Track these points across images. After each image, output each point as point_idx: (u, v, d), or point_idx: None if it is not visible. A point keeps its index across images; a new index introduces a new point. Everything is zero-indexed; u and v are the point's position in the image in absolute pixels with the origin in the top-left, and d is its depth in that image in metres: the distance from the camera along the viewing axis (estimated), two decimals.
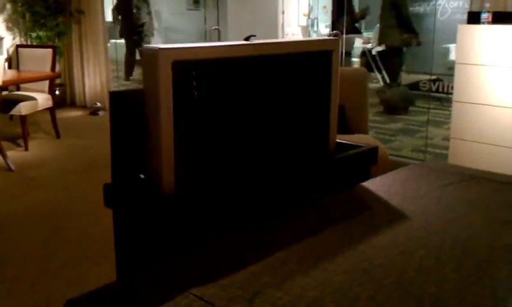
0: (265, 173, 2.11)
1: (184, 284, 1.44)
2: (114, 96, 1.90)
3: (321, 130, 2.38)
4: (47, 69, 5.69)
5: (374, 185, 2.31)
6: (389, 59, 7.23)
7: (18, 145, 5.39)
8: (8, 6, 7.12)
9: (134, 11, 9.13)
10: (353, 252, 1.66)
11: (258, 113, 2.11)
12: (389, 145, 5.44)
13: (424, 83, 6.90)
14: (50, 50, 5.79)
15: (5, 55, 6.69)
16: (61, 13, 7.18)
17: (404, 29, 7.01)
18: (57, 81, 7.01)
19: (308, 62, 2.27)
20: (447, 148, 4.23)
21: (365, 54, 7.71)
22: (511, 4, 3.95)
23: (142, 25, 9.26)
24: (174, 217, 1.79)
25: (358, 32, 7.81)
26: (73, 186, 4.25)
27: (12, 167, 4.62)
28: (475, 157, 3.75)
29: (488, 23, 3.71)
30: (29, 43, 7.12)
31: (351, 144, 2.49)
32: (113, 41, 9.40)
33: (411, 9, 7.25)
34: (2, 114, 4.78)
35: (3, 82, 4.58)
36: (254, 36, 2.09)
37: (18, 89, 5.89)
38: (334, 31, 8.08)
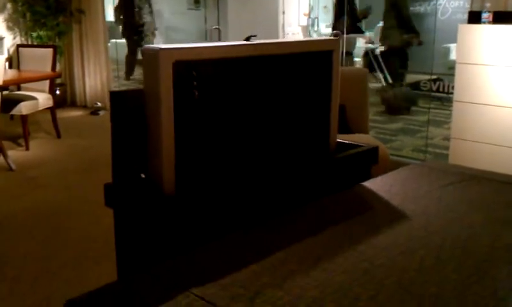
0: (266, 172, 2.11)
1: (185, 283, 1.44)
2: (115, 96, 1.90)
3: (322, 129, 2.38)
4: (47, 69, 5.69)
5: (374, 184, 2.31)
6: (391, 59, 7.23)
7: (19, 145, 5.40)
8: (9, 5, 7.13)
9: (136, 10, 9.14)
10: (354, 252, 1.66)
11: (259, 113, 2.11)
12: (390, 145, 5.44)
13: (425, 83, 6.90)
14: (50, 50, 5.79)
15: (5, 55, 6.69)
16: (62, 13, 7.18)
17: (405, 29, 7.01)
18: (58, 81, 7.02)
19: (309, 62, 2.27)
20: (447, 147, 4.23)
21: (368, 53, 7.70)
22: (511, 4, 3.95)
23: (143, 24, 9.26)
24: (175, 216, 1.79)
25: (360, 31, 7.79)
26: (74, 186, 4.26)
27: (13, 166, 4.62)
28: (475, 157, 3.75)
29: (489, 23, 3.70)
30: (29, 42, 7.12)
31: (351, 144, 2.49)
32: (113, 40, 9.40)
33: (411, 8, 7.25)
34: (3, 113, 4.79)
35: (4, 81, 4.58)
36: (255, 36, 2.09)
37: (19, 89, 5.89)
38: (335, 31, 8.08)
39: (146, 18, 9.34)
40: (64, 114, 6.86)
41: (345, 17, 7.32)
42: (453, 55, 6.14)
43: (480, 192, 2.24)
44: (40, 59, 5.77)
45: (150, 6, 9.49)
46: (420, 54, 7.16)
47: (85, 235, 3.28)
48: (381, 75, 7.28)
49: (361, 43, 8.22)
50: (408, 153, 5.28)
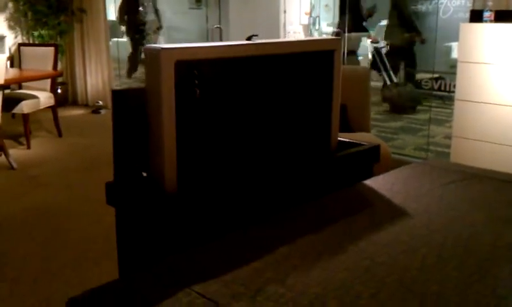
0: (268, 171, 2.11)
1: (186, 281, 1.44)
2: (117, 94, 1.91)
3: (323, 128, 2.38)
4: (49, 67, 5.70)
5: (376, 183, 2.31)
6: (396, 58, 7.22)
7: (21, 143, 5.40)
8: (10, 4, 7.13)
9: (141, 9, 9.14)
10: (355, 249, 1.66)
11: (260, 112, 2.11)
12: (391, 143, 5.44)
13: (426, 81, 6.89)
14: (52, 49, 5.80)
15: (7, 54, 6.70)
16: (63, 12, 7.19)
17: (406, 28, 7.01)
18: (59, 80, 7.03)
19: (310, 61, 2.27)
20: (449, 146, 4.22)
21: (376, 52, 7.67)
22: None
23: (144, 23, 9.27)
24: (176, 214, 1.80)
25: (365, 30, 7.76)
26: (75, 184, 4.26)
27: (14, 165, 4.62)
28: (477, 156, 3.75)
29: (491, 21, 3.70)
30: (31, 41, 7.13)
31: (353, 143, 2.49)
32: (115, 39, 9.41)
33: (413, 7, 7.24)
34: (5, 112, 4.79)
35: (5, 80, 4.59)
36: (256, 35, 2.10)
37: (20, 88, 5.90)
38: (336, 30, 8.07)
39: (150, 16, 9.35)
40: (65, 112, 6.86)
41: (347, 15, 7.31)
42: (454, 54, 6.13)
43: (481, 190, 2.24)
44: (42, 58, 5.77)
45: (154, 4, 9.50)
46: (422, 52, 7.16)
47: (86, 235, 3.29)
48: (384, 74, 7.26)
49: (367, 42, 8.19)
50: (409, 152, 5.28)
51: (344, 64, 6.99)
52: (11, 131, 5.62)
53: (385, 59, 7.31)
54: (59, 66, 6.46)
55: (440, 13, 7.18)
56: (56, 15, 7.08)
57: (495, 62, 3.65)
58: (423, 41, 6.99)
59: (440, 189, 2.22)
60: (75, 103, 7.61)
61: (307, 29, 8.73)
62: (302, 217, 1.93)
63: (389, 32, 7.27)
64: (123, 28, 9.85)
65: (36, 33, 7.07)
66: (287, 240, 1.71)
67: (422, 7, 7.30)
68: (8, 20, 7.14)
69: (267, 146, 2.16)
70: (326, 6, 9.10)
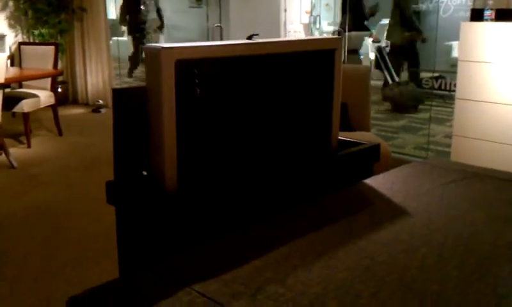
0: (268, 170, 2.11)
1: (186, 280, 1.44)
2: (117, 93, 1.90)
3: (324, 127, 2.38)
4: (49, 66, 5.70)
5: (376, 182, 2.31)
6: (397, 57, 7.21)
7: (21, 142, 5.40)
8: (10, 3, 7.13)
9: (142, 8, 9.15)
10: (355, 249, 1.66)
11: (261, 111, 2.11)
12: (391, 143, 5.44)
13: (427, 80, 6.89)
14: (52, 48, 5.79)
15: (7, 53, 6.70)
16: (64, 11, 7.18)
17: (407, 27, 7.00)
18: (60, 78, 7.03)
19: (311, 60, 2.27)
20: (449, 145, 4.22)
21: (379, 51, 7.65)
22: None
23: (145, 22, 9.27)
24: (176, 214, 1.79)
25: (366, 29, 7.74)
26: (76, 183, 4.26)
27: (15, 164, 4.62)
28: (477, 155, 3.75)
29: (491, 20, 3.69)
30: (31, 40, 7.13)
31: (353, 142, 2.49)
32: (115, 38, 9.41)
33: (413, 6, 7.23)
34: (5, 111, 4.79)
35: (5, 79, 4.59)
36: (257, 34, 2.10)
37: (21, 87, 5.90)
38: (338, 29, 8.06)
39: (151, 15, 9.35)
40: (65, 111, 6.86)
41: (349, 14, 7.30)
42: (455, 53, 6.12)
43: (482, 189, 2.24)
44: (42, 57, 5.77)
45: (156, 3, 9.51)
46: (423, 51, 7.16)
47: (86, 233, 3.29)
48: (386, 73, 7.25)
49: (368, 41, 8.18)
50: (409, 151, 5.27)
51: (344, 63, 6.99)
52: (12, 130, 5.63)
53: (387, 58, 7.30)
54: (60, 65, 6.46)
55: (441, 12, 7.17)
56: (56, 13, 7.08)
57: (495, 61, 3.65)
58: (424, 41, 6.99)
59: (440, 188, 2.21)
60: (75, 102, 7.61)
61: (308, 28, 8.73)
62: (302, 217, 1.93)
63: (391, 31, 7.27)
64: (124, 28, 9.86)
65: (36, 32, 7.07)
66: (287, 239, 1.71)
67: (422, 6, 7.30)
68: (8, 18, 7.14)
69: (267, 146, 2.16)
70: (327, 5, 9.10)
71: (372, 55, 7.84)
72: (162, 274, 1.51)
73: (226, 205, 1.93)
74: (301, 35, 8.40)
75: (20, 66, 5.99)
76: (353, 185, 2.27)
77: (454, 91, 4.23)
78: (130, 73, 9.47)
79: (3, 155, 4.67)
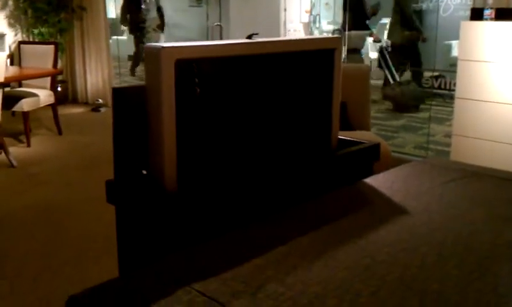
0: (268, 169, 2.11)
1: (186, 279, 1.44)
2: (117, 92, 1.90)
3: (323, 127, 2.38)
4: (49, 65, 5.69)
5: (376, 181, 2.31)
6: (398, 56, 7.20)
7: (21, 141, 5.40)
8: (10, 2, 7.12)
9: (143, 6, 9.14)
10: (355, 248, 1.66)
11: (261, 110, 2.11)
12: (391, 142, 5.44)
13: (427, 80, 6.89)
14: (52, 47, 5.79)
15: (7, 52, 6.69)
16: (63, 10, 7.18)
17: (407, 27, 6.99)
18: (59, 78, 7.02)
19: (311, 60, 2.27)
20: (449, 144, 4.22)
21: (381, 51, 7.63)
22: None
23: (144, 20, 9.27)
24: (176, 213, 1.80)
25: (367, 28, 7.72)
26: (75, 182, 4.26)
27: (14, 163, 4.62)
28: (477, 154, 3.75)
29: (491, 19, 3.69)
30: (31, 39, 7.13)
31: (353, 141, 2.49)
32: (115, 37, 9.40)
33: (413, 5, 7.23)
34: (5, 110, 4.79)
35: (5, 78, 4.58)
36: (256, 34, 2.09)
37: (20, 86, 5.89)
38: (338, 28, 8.05)
39: (152, 14, 9.35)
40: (65, 110, 6.86)
41: (351, 14, 7.29)
42: (455, 52, 6.12)
43: (481, 188, 2.24)
44: (42, 56, 5.77)
45: (157, 2, 9.50)
46: (423, 51, 7.15)
47: (86, 233, 3.29)
48: (387, 72, 7.24)
49: (369, 41, 8.16)
50: (409, 150, 5.28)
51: (344, 62, 6.98)
52: (11, 129, 5.62)
53: (387, 58, 7.30)
54: (59, 64, 6.46)
55: (441, 11, 7.17)
56: (56, 12, 7.07)
57: (495, 60, 3.65)
58: (424, 40, 6.98)
59: (440, 187, 2.22)
60: (75, 101, 7.60)
61: (307, 27, 8.73)
62: (302, 216, 1.93)
63: (392, 31, 7.26)
64: (124, 27, 9.85)
65: (36, 31, 7.06)
66: (287, 238, 1.71)
67: (422, 5, 7.30)
68: (8, 17, 7.14)
69: (267, 145, 2.16)
70: (327, 4, 9.09)
71: (372, 55, 7.83)
72: (162, 273, 1.51)
73: (226, 204, 1.93)
74: (300, 34, 8.40)
75: (19, 65, 5.99)
76: (353, 184, 2.27)
77: (453, 90, 4.23)
78: (132, 72, 9.49)
79: (3, 154, 4.67)
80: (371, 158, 2.50)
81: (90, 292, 1.45)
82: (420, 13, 7.19)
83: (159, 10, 9.58)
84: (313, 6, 8.94)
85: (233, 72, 1.99)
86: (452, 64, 5.47)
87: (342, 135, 2.49)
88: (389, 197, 2.12)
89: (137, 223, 1.87)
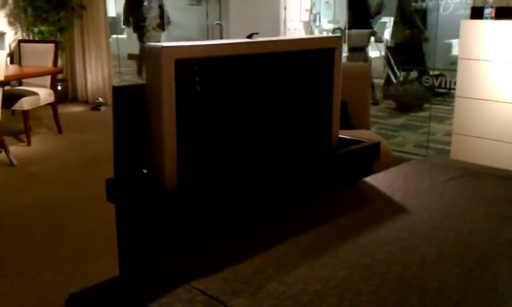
0: (268, 168, 2.11)
1: (187, 278, 1.45)
2: (117, 91, 1.91)
3: (324, 126, 2.38)
4: (49, 64, 5.69)
5: (376, 180, 2.31)
6: (400, 55, 7.19)
7: (21, 140, 5.40)
8: (10, 1, 7.12)
9: (145, 4, 9.12)
10: (356, 247, 1.66)
11: (261, 109, 2.11)
12: (391, 141, 5.44)
13: (427, 78, 6.88)
14: (52, 45, 5.79)
15: (7, 51, 6.70)
16: (63, 8, 7.18)
17: (408, 26, 6.98)
18: (59, 76, 7.02)
19: (311, 59, 2.27)
20: (449, 143, 4.23)
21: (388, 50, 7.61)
22: None
23: (144, 19, 9.26)
24: (176, 212, 1.80)
25: (370, 27, 7.68)
26: (75, 181, 4.26)
27: (14, 162, 4.62)
28: (477, 153, 3.75)
29: (491, 18, 3.69)
30: (31, 38, 7.12)
31: (353, 140, 2.49)
32: (115, 36, 9.40)
33: (414, 4, 7.22)
34: (5, 109, 4.79)
35: (5, 77, 4.59)
36: (257, 33, 2.09)
37: (20, 84, 5.89)
38: (337, 27, 8.03)
39: (153, 13, 9.33)
40: (65, 109, 6.86)
41: (354, 12, 7.27)
42: (455, 51, 6.12)
43: (481, 187, 2.24)
44: (42, 55, 5.77)
45: (159, 1, 9.49)
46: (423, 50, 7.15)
47: (86, 231, 3.29)
48: (389, 71, 7.22)
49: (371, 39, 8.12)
50: (409, 149, 5.28)
51: (348, 61, 6.97)
52: (11, 128, 5.62)
53: (390, 57, 7.29)
54: (59, 63, 6.46)
55: (441, 10, 7.17)
56: (56, 11, 7.07)
57: (495, 59, 3.65)
58: (426, 39, 6.96)
59: (440, 186, 2.22)
60: (75, 100, 7.60)
61: (307, 25, 8.73)
62: (302, 215, 1.93)
63: (394, 30, 7.25)
64: (127, 27, 9.83)
65: (36, 29, 7.06)
66: (288, 237, 1.71)
67: (422, 4, 7.29)
68: (8, 16, 7.13)
69: (267, 144, 2.16)
70: (327, 2, 9.09)
71: (372, 54, 7.81)
72: (163, 271, 1.51)
73: (226, 203, 1.93)
74: (300, 33, 8.40)
75: (19, 63, 5.99)
76: (353, 183, 2.27)
77: (453, 89, 4.23)
78: (139, 73, 9.43)
79: (3, 152, 4.67)
80: (371, 157, 2.50)
81: (90, 291, 1.45)
82: (422, 12, 7.17)
83: (161, 7, 9.56)
84: (313, 4, 8.94)
85: (233, 71, 1.99)
86: (452, 63, 5.47)
87: (342, 134, 2.49)
88: (389, 196, 2.12)
89: (137, 222, 1.87)
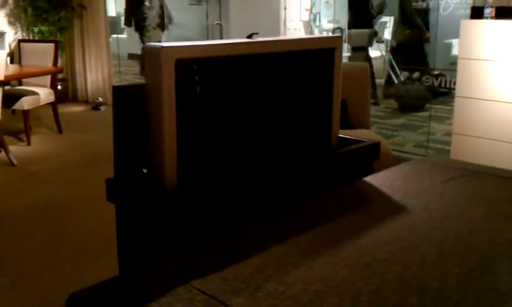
0: (268, 168, 2.11)
1: (187, 277, 1.45)
2: (117, 90, 1.90)
3: (324, 125, 2.38)
4: (49, 64, 5.69)
5: (376, 179, 2.31)
6: (402, 55, 7.18)
7: (21, 140, 5.40)
8: (10, 0, 7.12)
9: (147, 4, 9.12)
10: (355, 246, 1.66)
11: (261, 109, 2.11)
12: (391, 140, 5.44)
13: (427, 78, 6.88)
14: (52, 45, 5.79)
15: (7, 50, 6.69)
16: (63, 8, 7.18)
17: (409, 26, 6.97)
18: (59, 76, 7.02)
19: (311, 59, 2.27)
20: (449, 143, 4.23)
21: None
22: None
23: (144, 19, 9.25)
24: (176, 211, 1.80)
25: (372, 27, 7.68)
26: (75, 181, 4.26)
27: (14, 161, 4.62)
28: (477, 153, 3.75)
29: (491, 18, 3.69)
30: (31, 37, 7.12)
31: (353, 139, 2.50)
32: (115, 36, 9.39)
33: (414, 4, 7.22)
34: (5, 108, 4.79)
35: (5, 76, 4.58)
36: (257, 33, 2.09)
37: (21, 84, 5.89)
38: (337, 27, 8.03)
39: (152, 13, 9.32)
40: (65, 109, 6.86)
41: (355, 12, 7.26)
42: (455, 51, 6.12)
43: (481, 187, 2.24)
44: (42, 54, 5.77)
45: (160, 1, 9.48)
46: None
47: (86, 231, 3.29)
48: (390, 71, 7.21)
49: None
50: (409, 149, 5.27)
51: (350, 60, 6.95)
52: (11, 127, 5.62)
53: (392, 57, 7.28)
54: (59, 63, 6.46)
55: (441, 10, 7.17)
56: (56, 11, 7.07)
57: (495, 59, 3.65)
58: (427, 40, 6.95)
59: (440, 186, 2.22)
60: (75, 99, 7.60)
61: (307, 25, 8.73)
62: (302, 215, 1.93)
63: (396, 30, 7.24)
64: (128, 27, 9.81)
65: (36, 29, 7.06)
66: (287, 237, 1.71)
67: (422, 4, 7.30)
68: (8, 16, 7.13)
69: (267, 144, 2.16)
70: (327, 2, 9.09)
71: (372, 53, 7.81)
72: (162, 271, 1.51)
73: (226, 203, 1.93)
74: (300, 32, 8.40)
75: (19, 63, 5.99)
76: (353, 182, 2.27)
77: (453, 89, 4.23)
78: (142, 73, 9.42)
79: (3, 152, 4.67)
80: (371, 157, 2.50)
81: (90, 290, 1.45)
82: (423, 13, 7.14)
83: (161, 7, 9.55)
84: (313, 4, 8.94)
85: (233, 71, 1.99)
86: (452, 63, 5.47)
87: (342, 134, 2.49)
88: (389, 195, 2.12)
89: (137, 222, 1.87)
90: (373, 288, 1.42)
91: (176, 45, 1.81)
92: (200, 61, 1.84)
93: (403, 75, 7.07)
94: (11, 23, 7.16)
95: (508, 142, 3.63)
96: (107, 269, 2.54)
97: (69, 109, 7.02)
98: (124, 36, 10.59)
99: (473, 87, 3.78)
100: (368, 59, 7.14)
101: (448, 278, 1.48)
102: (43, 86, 5.61)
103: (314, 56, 2.28)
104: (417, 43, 7.01)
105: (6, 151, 4.65)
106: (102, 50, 7.30)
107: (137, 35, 9.37)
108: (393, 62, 7.22)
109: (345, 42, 7.06)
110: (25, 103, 5.17)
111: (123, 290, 1.46)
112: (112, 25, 9.07)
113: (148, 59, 1.82)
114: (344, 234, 1.76)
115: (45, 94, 5.48)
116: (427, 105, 6.47)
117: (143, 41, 9.07)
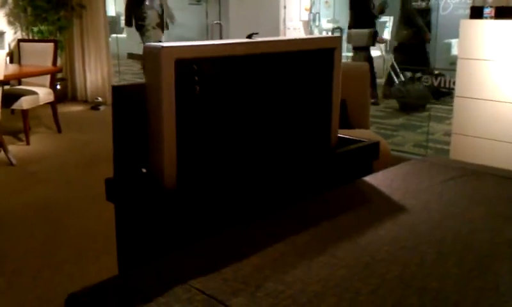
0: (268, 167, 2.11)
1: (186, 277, 1.44)
2: (117, 90, 1.90)
3: (323, 125, 2.38)
4: (48, 63, 5.69)
5: (375, 179, 2.31)
6: (403, 55, 7.17)
7: (20, 139, 5.40)
8: (10, 0, 7.12)
9: (147, 3, 9.11)
10: (355, 246, 1.66)
11: (260, 109, 2.11)
12: (391, 140, 5.44)
13: (426, 78, 6.89)
14: (51, 45, 5.79)
15: (6, 50, 6.69)
16: (63, 7, 7.18)
17: (410, 26, 6.97)
18: (59, 76, 7.02)
19: (311, 59, 2.27)
20: (448, 143, 4.23)
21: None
22: None
23: (144, 18, 9.24)
24: (175, 211, 1.79)
25: (373, 27, 7.67)
26: (75, 180, 4.26)
27: (13, 161, 4.62)
28: (476, 152, 3.75)
29: (491, 18, 3.70)
30: (30, 37, 7.12)
31: (352, 139, 2.49)
32: (114, 35, 9.39)
33: (414, 4, 7.22)
34: (4, 108, 4.79)
35: (5, 76, 4.58)
36: (256, 33, 2.09)
37: (20, 84, 5.89)
38: (337, 27, 8.03)
39: (152, 12, 9.31)
40: (65, 108, 6.86)
41: (357, 12, 7.26)
42: (455, 51, 6.12)
43: (481, 187, 2.24)
44: (41, 54, 5.76)
45: (161, 1, 9.48)
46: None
47: (86, 230, 3.29)
48: (391, 71, 7.21)
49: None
50: (409, 149, 5.28)
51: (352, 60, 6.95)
52: (11, 127, 5.62)
53: (393, 57, 7.28)
54: (59, 62, 6.46)
55: (440, 10, 7.17)
56: (55, 10, 7.07)
57: (495, 59, 3.65)
58: (428, 40, 6.94)
59: (439, 186, 2.22)
60: (74, 99, 7.60)
61: (307, 25, 8.73)
62: (301, 214, 1.93)
63: (397, 30, 7.24)
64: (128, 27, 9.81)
65: (35, 29, 7.06)
66: (287, 237, 1.71)
67: (422, 4, 7.30)
68: (8, 15, 7.13)
69: (267, 143, 2.16)
70: (326, 2, 9.10)
71: (373, 53, 7.82)
72: (162, 271, 1.51)
73: (225, 203, 1.93)
74: (300, 32, 8.40)
75: (19, 63, 5.99)
76: (352, 182, 2.27)
77: (453, 88, 4.23)
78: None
79: (2, 152, 4.67)
80: (370, 157, 2.50)
81: (90, 290, 1.45)
82: (425, 13, 7.12)
83: (162, 7, 9.55)
84: (313, 4, 8.95)
85: (233, 71, 1.99)
86: (452, 63, 5.47)
87: (342, 134, 2.49)
88: (388, 195, 2.12)
89: (136, 221, 1.87)
90: (372, 288, 1.41)
91: (176, 45, 1.81)
92: (200, 61, 1.84)
93: (404, 76, 7.08)
94: (10, 22, 7.16)
95: (508, 142, 3.63)
96: (106, 269, 2.54)
97: (68, 109, 7.02)
98: (124, 35, 10.59)
99: (473, 87, 3.79)
100: (370, 58, 7.14)
101: (447, 278, 1.48)
102: (43, 85, 5.61)
103: (314, 56, 2.28)
104: (419, 44, 7.01)
105: (5, 151, 4.65)
106: (101, 49, 7.30)
107: (137, 35, 9.38)
108: (394, 62, 7.22)
109: (345, 42, 7.06)
110: (24, 102, 5.16)
111: (122, 289, 1.46)
112: (112, 25, 9.06)
113: (148, 59, 1.82)
114: (343, 234, 1.76)
115: (44, 93, 5.47)
116: (428, 105, 6.47)
117: (142, 41, 9.07)
